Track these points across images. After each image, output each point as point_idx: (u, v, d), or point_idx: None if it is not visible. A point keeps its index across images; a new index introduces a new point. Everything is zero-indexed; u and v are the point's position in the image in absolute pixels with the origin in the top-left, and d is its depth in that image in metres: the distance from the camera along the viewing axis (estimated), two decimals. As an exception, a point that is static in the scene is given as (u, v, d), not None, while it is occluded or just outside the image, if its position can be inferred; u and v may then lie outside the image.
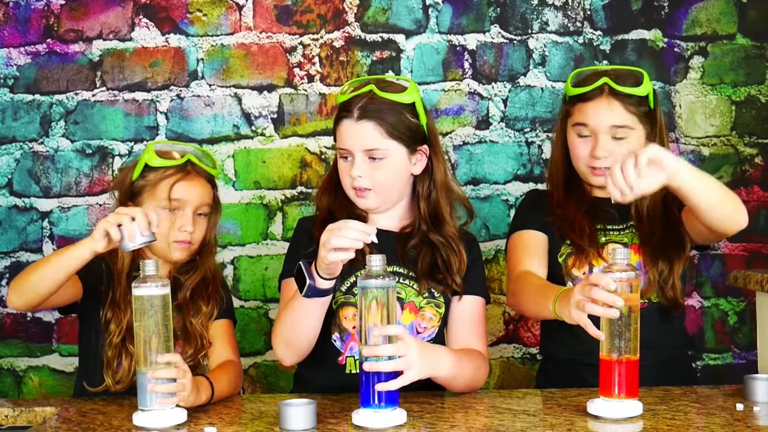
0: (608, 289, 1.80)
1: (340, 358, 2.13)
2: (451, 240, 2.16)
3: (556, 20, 3.12)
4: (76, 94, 3.08)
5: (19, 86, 3.07)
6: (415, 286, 2.14)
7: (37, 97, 3.08)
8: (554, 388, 2.16)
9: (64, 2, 3.07)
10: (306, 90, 3.10)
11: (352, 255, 1.87)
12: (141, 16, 3.07)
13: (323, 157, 3.09)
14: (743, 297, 3.12)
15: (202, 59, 3.08)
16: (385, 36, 3.11)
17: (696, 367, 3.09)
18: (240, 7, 3.09)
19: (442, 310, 2.15)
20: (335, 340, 2.13)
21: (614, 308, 1.80)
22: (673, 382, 2.16)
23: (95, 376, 2.18)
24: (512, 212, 3.04)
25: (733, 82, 3.14)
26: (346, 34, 3.10)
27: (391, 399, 1.81)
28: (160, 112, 3.08)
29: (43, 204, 3.08)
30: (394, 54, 3.10)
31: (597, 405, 1.86)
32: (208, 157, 2.31)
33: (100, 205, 3.07)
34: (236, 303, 2.88)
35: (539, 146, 3.11)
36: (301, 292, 1.94)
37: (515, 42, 3.11)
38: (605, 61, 3.10)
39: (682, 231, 2.27)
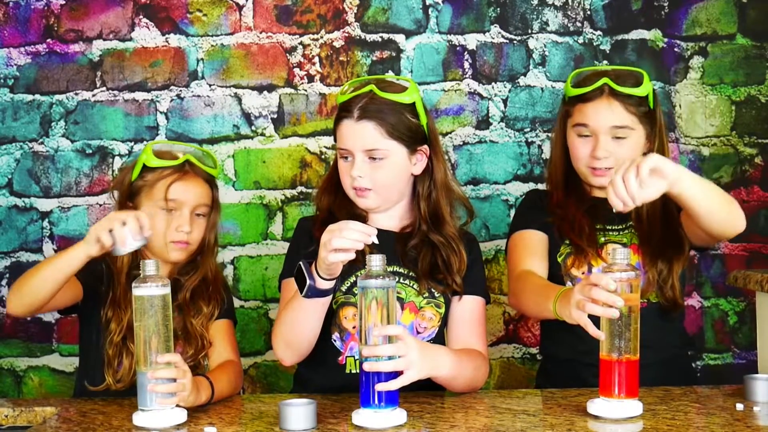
0: (608, 289, 1.80)
1: (340, 358, 2.13)
2: (452, 240, 2.16)
3: (556, 20, 3.11)
4: (76, 94, 3.08)
5: (19, 86, 3.07)
6: (415, 286, 2.14)
7: (37, 97, 3.08)
8: (554, 388, 2.16)
9: (64, 2, 3.07)
10: (306, 90, 3.10)
11: (352, 256, 1.87)
12: (141, 16, 3.07)
13: (323, 157, 3.09)
14: (743, 297, 3.12)
15: (202, 59, 3.08)
16: (385, 36, 3.10)
17: (696, 367, 3.09)
18: (240, 7, 3.09)
19: (442, 310, 2.15)
20: (335, 340, 2.13)
21: (614, 308, 1.81)
22: (673, 382, 2.16)
23: (96, 376, 2.18)
24: (512, 212, 3.04)
25: (733, 82, 3.14)
26: (346, 34, 3.10)
27: (391, 399, 1.81)
28: (160, 112, 3.08)
29: (43, 204, 3.08)
30: (394, 54, 3.10)
31: (597, 405, 1.86)
32: (208, 157, 2.31)
33: (100, 205, 3.07)
34: (236, 303, 2.88)
35: (539, 146, 3.11)
36: (301, 293, 1.94)
37: (515, 42, 3.11)
38: (605, 62, 3.10)
39: (681, 231, 2.27)
